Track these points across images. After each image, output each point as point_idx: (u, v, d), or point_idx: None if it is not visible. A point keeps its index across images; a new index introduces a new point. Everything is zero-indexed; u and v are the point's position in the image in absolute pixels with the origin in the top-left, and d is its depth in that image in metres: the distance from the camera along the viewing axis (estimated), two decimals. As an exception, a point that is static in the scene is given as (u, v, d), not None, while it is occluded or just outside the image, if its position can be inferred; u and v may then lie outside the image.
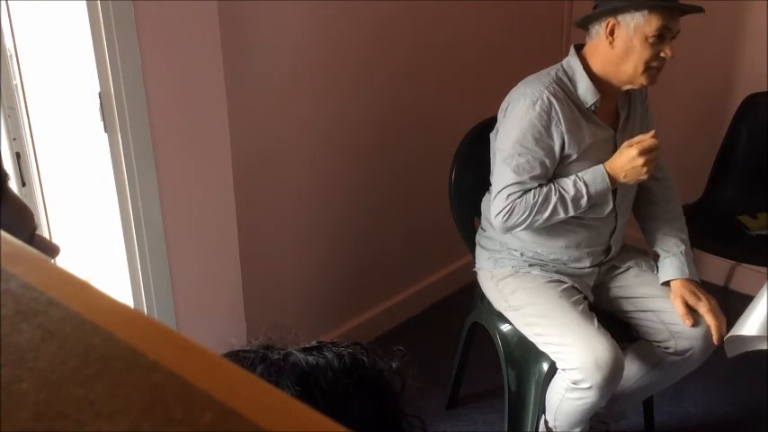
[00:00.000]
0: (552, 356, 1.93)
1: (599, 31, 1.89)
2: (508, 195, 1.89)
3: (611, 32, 1.86)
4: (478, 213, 2.22)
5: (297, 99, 2.31)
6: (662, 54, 1.84)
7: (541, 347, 1.96)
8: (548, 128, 1.87)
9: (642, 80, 1.87)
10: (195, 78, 1.85)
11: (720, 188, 2.75)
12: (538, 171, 1.88)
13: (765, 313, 1.77)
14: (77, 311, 0.36)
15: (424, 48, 2.61)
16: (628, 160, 1.85)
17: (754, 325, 1.78)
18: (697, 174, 2.76)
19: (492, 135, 2.02)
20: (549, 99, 1.87)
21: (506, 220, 1.90)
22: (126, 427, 0.30)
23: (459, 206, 2.26)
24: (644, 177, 1.88)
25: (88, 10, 1.64)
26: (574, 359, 1.85)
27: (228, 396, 0.32)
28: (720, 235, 2.65)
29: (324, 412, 0.32)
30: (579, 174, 1.90)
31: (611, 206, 1.93)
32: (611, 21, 1.85)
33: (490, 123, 2.15)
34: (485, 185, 2.13)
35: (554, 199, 1.87)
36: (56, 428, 0.30)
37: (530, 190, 1.88)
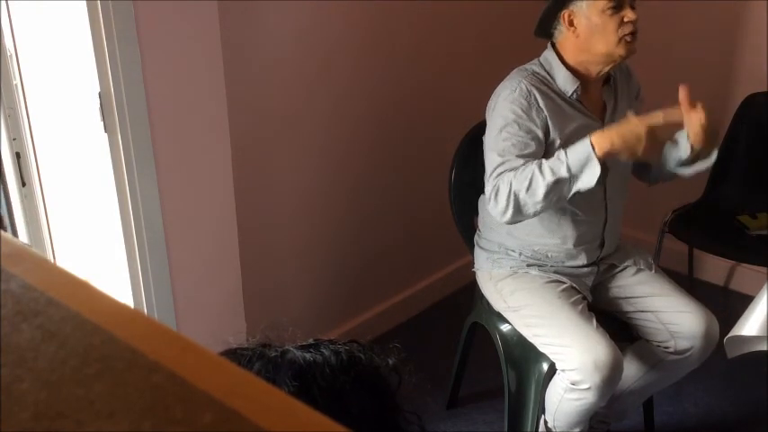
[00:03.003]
0: (551, 357, 1.93)
1: (560, 28, 1.92)
2: (495, 177, 1.86)
3: (571, 23, 1.88)
4: (478, 213, 2.22)
5: (297, 99, 2.31)
6: (625, 19, 1.84)
7: (541, 348, 1.96)
8: (528, 112, 1.87)
9: (620, 51, 1.86)
10: (195, 78, 1.85)
11: (720, 188, 2.75)
12: (524, 151, 1.86)
13: (765, 313, 1.77)
14: (77, 311, 0.36)
15: (424, 47, 2.61)
16: (632, 125, 1.75)
17: (755, 325, 1.78)
18: (697, 173, 2.75)
19: (484, 137, 2.02)
20: (527, 87, 1.89)
21: (496, 202, 1.83)
22: (126, 427, 0.30)
23: (459, 206, 2.26)
24: (638, 150, 1.75)
25: (88, 10, 1.64)
26: (573, 360, 1.85)
27: (228, 396, 0.32)
28: (720, 235, 2.65)
29: (321, 409, 0.32)
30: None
31: (597, 171, 1.75)
32: (566, 13, 1.88)
33: (490, 123, 2.15)
34: (485, 185, 2.12)
35: (532, 166, 1.80)
36: (56, 428, 0.30)
37: (513, 168, 1.84)
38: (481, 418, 2.45)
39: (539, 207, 1.81)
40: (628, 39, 1.85)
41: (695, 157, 1.92)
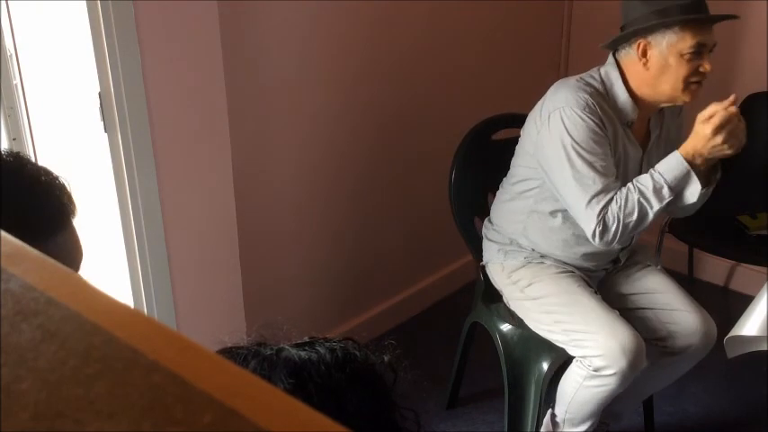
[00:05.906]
0: (571, 344, 1.91)
1: (629, 52, 1.83)
2: (598, 212, 1.79)
3: (644, 53, 1.80)
4: (479, 213, 2.22)
5: (297, 99, 2.31)
6: (701, 69, 1.79)
7: (558, 335, 1.94)
8: (602, 128, 1.82)
9: (684, 97, 1.82)
10: (195, 78, 1.85)
11: (720, 188, 2.75)
12: (610, 174, 1.81)
13: (765, 313, 1.77)
14: (77, 311, 0.36)
15: (424, 48, 2.61)
16: (704, 141, 1.74)
17: (755, 325, 1.78)
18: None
19: (524, 130, 1.97)
20: (594, 105, 1.81)
21: (603, 236, 1.81)
22: (126, 427, 0.30)
23: (460, 206, 2.26)
24: (729, 152, 1.76)
25: (88, 10, 1.64)
26: (598, 346, 1.84)
27: (228, 396, 0.32)
28: (720, 235, 2.65)
29: (318, 406, 0.32)
30: (655, 167, 1.82)
31: (699, 188, 1.80)
32: (642, 42, 1.80)
33: (490, 123, 2.15)
34: (485, 185, 2.12)
35: (635, 197, 1.78)
36: (56, 428, 0.30)
37: (613, 197, 1.79)
38: (481, 418, 2.45)
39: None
40: (694, 87, 1.81)
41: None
